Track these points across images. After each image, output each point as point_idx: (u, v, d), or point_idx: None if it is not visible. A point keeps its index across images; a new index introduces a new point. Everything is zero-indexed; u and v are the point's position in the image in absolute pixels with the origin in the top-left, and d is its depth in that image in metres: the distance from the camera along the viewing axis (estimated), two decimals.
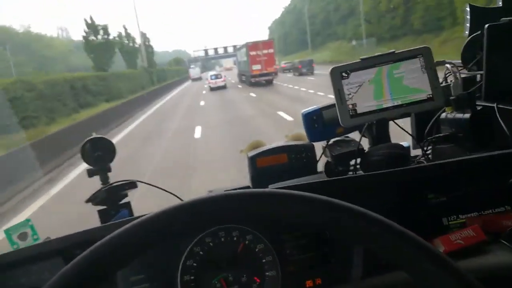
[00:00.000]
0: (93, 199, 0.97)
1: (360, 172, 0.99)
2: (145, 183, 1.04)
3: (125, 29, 39.89)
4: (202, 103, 20.29)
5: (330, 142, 1.05)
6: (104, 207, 0.98)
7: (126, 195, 1.01)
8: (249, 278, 0.72)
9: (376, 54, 0.96)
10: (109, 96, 24.38)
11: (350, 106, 0.93)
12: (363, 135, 1.00)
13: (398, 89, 0.93)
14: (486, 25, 1.04)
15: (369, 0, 40.77)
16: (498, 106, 0.96)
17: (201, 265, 0.72)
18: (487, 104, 1.00)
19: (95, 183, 1.00)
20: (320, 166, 1.11)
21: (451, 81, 1.03)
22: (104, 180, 0.98)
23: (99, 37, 30.70)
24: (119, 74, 29.96)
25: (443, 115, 1.04)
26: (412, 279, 0.41)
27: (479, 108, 0.96)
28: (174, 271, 0.71)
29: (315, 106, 1.06)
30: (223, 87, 29.17)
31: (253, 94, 21.00)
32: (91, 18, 30.30)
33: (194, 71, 60.44)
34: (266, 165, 1.06)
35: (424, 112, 1.00)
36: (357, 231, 0.42)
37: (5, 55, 49.20)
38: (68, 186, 7.24)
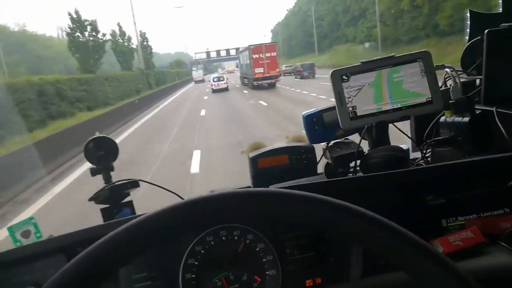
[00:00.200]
0: (96, 198, 0.98)
1: (360, 174, 1.00)
2: (147, 182, 1.05)
3: (120, 27, 34.84)
4: (202, 112, 16.36)
5: (330, 144, 1.06)
6: (107, 205, 0.99)
7: (128, 194, 1.02)
8: (250, 277, 0.73)
9: (376, 58, 0.97)
10: (93, 102, 20.10)
11: (350, 109, 0.94)
12: (363, 138, 1.01)
13: (398, 93, 0.94)
14: (486, 31, 1.05)
15: (385, 0, 37.66)
16: (497, 110, 0.97)
17: (202, 263, 0.72)
18: (486, 108, 1.01)
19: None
20: (320, 168, 1.12)
21: (450, 85, 1.05)
22: (107, 179, 0.99)
23: (87, 34, 25.82)
24: (108, 77, 25.24)
25: (442, 118, 1.05)
26: (412, 279, 0.41)
27: (478, 112, 0.98)
28: (176, 270, 0.71)
29: (315, 109, 1.07)
30: (225, 89, 28.87)
31: (263, 103, 17.06)
32: (76, 12, 25.17)
33: (197, 73, 60.26)
34: (267, 165, 1.07)
35: (424, 116, 1.01)
36: (358, 231, 0.42)
37: None
38: None
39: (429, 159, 1.09)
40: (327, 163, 1.08)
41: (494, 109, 0.98)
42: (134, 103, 21.49)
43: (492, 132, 0.97)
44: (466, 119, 0.97)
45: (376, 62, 0.95)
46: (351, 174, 1.03)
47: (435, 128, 1.08)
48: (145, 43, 42.73)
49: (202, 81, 55.29)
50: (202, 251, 0.73)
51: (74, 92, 18.47)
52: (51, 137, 10.75)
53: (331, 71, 0.97)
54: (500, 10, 1.25)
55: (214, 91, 28.84)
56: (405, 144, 1.13)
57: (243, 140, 7.70)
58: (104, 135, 1.03)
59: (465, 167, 0.84)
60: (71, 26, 25.23)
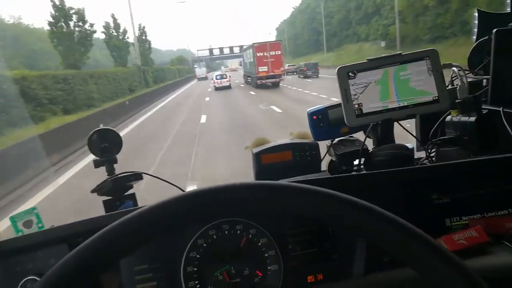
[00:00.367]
0: (99, 190, 0.98)
1: (364, 172, 0.99)
2: (150, 175, 1.05)
3: (114, 18, 30.49)
4: (203, 119, 12.80)
5: (334, 141, 1.06)
6: (110, 197, 0.99)
7: (131, 187, 1.02)
8: (252, 271, 0.72)
9: (383, 55, 0.96)
10: (71, 104, 16.49)
11: (356, 106, 0.94)
12: (367, 136, 1.01)
13: (405, 91, 0.94)
14: (494, 30, 1.05)
15: None
16: (504, 110, 0.97)
17: (204, 257, 0.72)
18: (492, 108, 1.00)
19: None
20: (324, 165, 1.12)
21: (457, 84, 1.04)
22: (110, 171, 0.99)
23: (72, 24, 21.82)
24: (95, 74, 21.18)
25: (448, 118, 1.04)
26: (419, 275, 0.41)
27: (484, 111, 0.97)
28: (178, 262, 0.71)
29: (320, 105, 1.06)
30: (228, 87, 28.73)
31: (276, 109, 13.27)
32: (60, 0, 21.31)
33: (200, 71, 60.53)
34: (271, 162, 1.07)
35: (429, 115, 1.01)
36: (365, 226, 0.42)
37: None
38: None
39: (433, 158, 1.09)
40: (331, 161, 1.08)
41: (501, 109, 0.97)
42: (123, 104, 18.33)
43: (499, 132, 0.97)
44: (473, 118, 0.96)
45: (383, 60, 0.94)
46: (355, 172, 1.02)
47: (441, 127, 1.07)
48: (143, 37, 39.57)
49: (205, 78, 55.28)
50: (204, 245, 0.73)
51: (47, 92, 14.88)
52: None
53: (337, 68, 0.96)
54: (508, 10, 1.24)
55: (216, 88, 28.58)
56: (410, 143, 1.13)
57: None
58: (108, 128, 1.02)
59: (470, 167, 0.83)
60: (54, 15, 21.20)
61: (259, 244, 0.74)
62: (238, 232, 0.74)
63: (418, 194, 0.78)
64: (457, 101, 0.99)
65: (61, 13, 21.61)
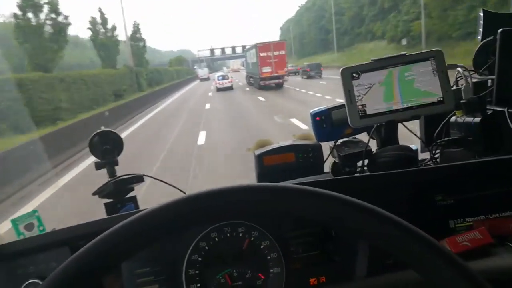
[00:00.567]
0: (100, 192, 0.97)
1: (367, 174, 0.98)
2: (152, 177, 1.04)
3: (101, 13, 26.67)
4: (201, 139, 9.28)
5: (337, 143, 1.05)
6: (111, 200, 0.99)
7: (132, 189, 1.02)
8: (254, 274, 0.72)
9: (387, 55, 0.95)
10: (23, 119, 11.94)
11: (360, 107, 0.93)
12: (371, 137, 1.00)
13: (409, 92, 0.93)
14: (500, 30, 1.04)
15: None
16: (509, 110, 0.96)
17: (206, 260, 0.72)
18: (497, 109, 0.99)
19: None
20: (327, 167, 1.11)
21: (462, 85, 1.03)
22: (112, 173, 0.99)
23: (43, 16, 17.40)
24: (66, 77, 16.75)
25: (453, 118, 1.03)
26: (422, 278, 0.40)
27: (489, 112, 0.96)
28: (179, 265, 0.71)
29: (323, 106, 1.06)
30: (230, 88, 28.60)
31: (301, 125, 9.25)
32: None
33: (203, 71, 60.97)
34: (273, 163, 1.06)
35: (434, 115, 1.00)
36: (368, 228, 0.42)
37: None
38: None
39: (438, 159, 1.08)
40: (334, 162, 1.07)
41: (506, 109, 0.96)
42: (101, 116, 14.25)
43: (504, 133, 0.96)
44: (477, 119, 0.95)
45: (387, 60, 0.94)
46: (358, 174, 1.01)
47: (445, 128, 1.06)
48: (137, 35, 35.84)
49: (207, 79, 55.55)
50: (206, 247, 0.72)
51: None
52: None
53: (341, 68, 0.95)
54: None
55: (218, 89, 28.48)
56: (414, 144, 1.12)
57: None
58: (110, 130, 1.02)
59: (474, 168, 0.83)
60: (20, 4, 16.99)
61: (262, 246, 0.73)
62: (240, 234, 0.73)
63: (422, 195, 0.78)
64: (461, 101, 0.98)
65: (29, 2, 17.26)
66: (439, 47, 0.99)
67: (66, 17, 18.89)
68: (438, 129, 1.07)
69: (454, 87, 1.06)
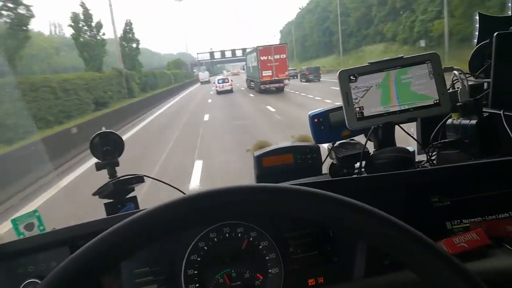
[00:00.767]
0: (100, 192, 0.98)
1: (365, 175, 0.99)
2: (152, 178, 1.05)
3: (84, 8, 22.60)
4: (195, 174, 6.34)
5: (335, 144, 1.06)
6: (111, 200, 0.99)
7: (132, 189, 1.02)
8: (252, 274, 0.72)
9: (385, 58, 0.96)
10: None
11: (357, 109, 0.94)
12: (368, 139, 1.01)
13: (406, 94, 0.94)
14: (495, 33, 1.05)
15: None
16: (505, 113, 0.97)
17: (205, 260, 0.72)
18: (493, 111, 1.00)
19: None
20: (325, 168, 1.12)
21: (458, 87, 1.04)
22: (112, 174, 0.99)
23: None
24: (25, 82, 12.99)
25: (449, 121, 1.04)
26: (420, 278, 0.41)
27: (485, 114, 0.97)
28: (178, 265, 0.71)
29: (321, 108, 1.07)
30: (230, 91, 28.49)
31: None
32: None
33: (203, 75, 60.83)
34: (272, 164, 1.07)
35: (430, 118, 1.01)
36: (366, 228, 0.42)
37: None
38: None
39: (434, 161, 1.09)
40: (332, 163, 1.08)
41: (501, 112, 0.97)
42: (65, 135, 10.57)
43: (499, 135, 0.96)
44: (473, 121, 0.96)
45: (384, 63, 0.95)
46: (356, 175, 1.02)
47: (442, 131, 1.07)
48: (129, 35, 31.53)
49: (208, 82, 55.55)
50: (205, 248, 0.73)
51: None
52: None
53: (338, 71, 0.96)
54: (510, 13, 1.24)
55: (219, 92, 28.40)
56: (411, 146, 1.13)
57: None
58: (111, 131, 1.03)
59: (471, 170, 0.83)
60: None
61: (260, 247, 0.74)
62: (239, 235, 0.74)
63: (419, 197, 0.78)
64: (458, 104, 0.99)
65: None
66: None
67: (27, 7, 14.92)
68: (435, 131, 1.08)
69: (451, 90, 1.07)
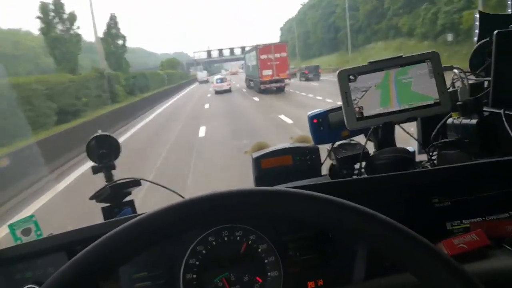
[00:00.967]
0: (97, 196, 0.97)
1: (365, 176, 0.98)
2: (149, 181, 1.04)
3: None
4: None
5: (335, 145, 1.05)
6: (108, 204, 0.98)
7: (129, 193, 1.01)
8: (251, 278, 0.72)
9: (384, 58, 0.96)
10: None
11: (357, 109, 0.93)
12: (368, 139, 1.00)
13: (405, 94, 0.93)
14: (495, 32, 1.04)
15: None
16: (506, 112, 0.96)
17: (203, 263, 0.72)
18: (494, 110, 0.99)
19: None
20: (325, 169, 1.11)
21: (458, 86, 1.03)
22: (109, 177, 0.99)
23: None
24: None
25: (450, 120, 1.04)
26: (418, 280, 0.40)
27: (486, 114, 0.96)
28: (177, 269, 0.71)
29: (320, 109, 1.06)
30: (228, 91, 28.36)
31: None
32: None
33: (202, 74, 61.32)
34: (271, 166, 1.06)
35: (430, 117, 1.00)
36: (366, 231, 0.42)
37: None
38: None
39: (435, 161, 1.08)
40: (332, 164, 1.07)
41: (502, 111, 0.97)
42: None
43: (500, 135, 0.96)
44: (474, 121, 0.95)
45: (384, 62, 0.94)
46: (355, 176, 1.02)
47: (442, 130, 1.07)
48: (113, 31, 27.64)
49: (207, 81, 55.83)
50: (204, 251, 0.72)
51: None
52: None
53: (338, 71, 0.95)
54: (510, 11, 1.24)
55: (217, 92, 28.33)
56: (411, 146, 1.12)
57: None
58: (107, 134, 1.02)
59: (471, 170, 0.83)
60: None
61: (259, 250, 0.73)
62: (238, 238, 0.73)
63: (419, 197, 0.78)
64: (458, 103, 0.99)
65: None
66: None
67: None
68: (435, 131, 1.08)
69: (451, 89, 1.06)
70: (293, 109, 13.90)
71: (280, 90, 22.98)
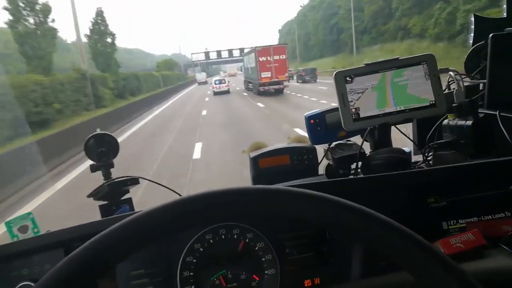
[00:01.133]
0: (95, 194, 0.97)
1: (361, 176, 0.99)
2: (147, 179, 1.05)
3: None
4: None
5: (332, 145, 1.06)
6: (106, 202, 0.99)
7: (127, 191, 1.02)
8: (248, 276, 0.72)
9: (380, 60, 0.96)
10: None
11: (353, 110, 0.94)
12: (365, 139, 1.01)
13: (401, 95, 0.94)
14: (491, 35, 1.05)
15: None
16: (501, 113, 0.97)
17: (200, 261, 0.72)
18: (489, 112, 1.00)
19: None
20: (322, 169, 1.12)
21: (454, 88, 1.04)
22: (107, 175, 0.99)
23: None
24: None
25: (445, 122, 1.05)
26: (415, 278, 0.41)
27: (481, 115, 0.97)
28: (174, 267, 0.71)
29: (318, 109, 1.07)
30: (227, 92, 28.41)
31: None
32: None
33: (201, 76, 61.73)
34: (268, 165, 1.07)
35: (426, 119, 1.01)
36: (363, 231, 0.42)
37: None
38: None
39: (430, 162, 1.09)
40: (328, 164, 1.08)
41: (497, 113, 0.98)
42: None
43: (495, 136, 0.97)
44: (469, 122, 0.96)
45: (380, 64, 0.95)
46: (352, 176, 1.02)
47: (438, 131, 1.08)
48: (101, 27, 24.74)
49: (205, 82, 56.22)
50: (201, 249, 0.72)
51: None
52: None
53: (334, 72, 0.96)
54: (505, 15, 1.25)
55: (215, 93, 28.39)
56: (407, 147, 1.13)
57: None
58: (105, 132, 1.02)
59: (467, 170, 0.84)
60: None
61: (256, 248, 0.73)
62: (235, 236, 0.74)
63: (415, 197, 0.78)
64: (453, 105, 1.00)
65: None
66: None
67: None
68: (431, 132, 1.09)
69: (446, 91, 1.07)
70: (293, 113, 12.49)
71: (278, 92, 22.84)
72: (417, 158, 1.16)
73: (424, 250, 0.40)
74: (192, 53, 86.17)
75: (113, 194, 0.98)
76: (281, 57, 23.10)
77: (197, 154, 8.01)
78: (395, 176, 0.81)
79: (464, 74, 1.16)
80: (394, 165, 0.91)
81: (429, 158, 1.09)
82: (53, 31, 17.83)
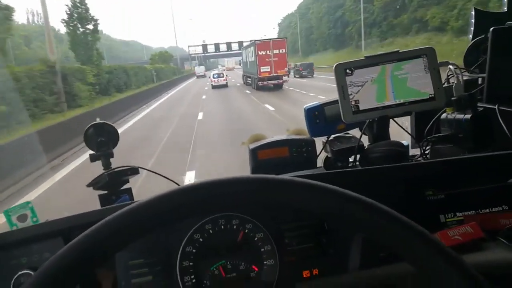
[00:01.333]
0: (95, 184, 0.97)
1: (360, 168, 0.99)
2: (147, 169, 1.05)
3: None
4: None
5: (330, 138, 1.06)
6: (105, 192, 0.98)
7: (127, 181, 1.02)
8: (247, 266, 0.72)
9: (380, 52, 0.96)
10: None
11: (353, 103, 0.94)
12: (363, 132, 1.01)
13: (401, 88, 0.94)
14: (491, 29, 1.05)
15: None
16: (499, 107, 0.97)
17: (200, 251, 0.72)
18: (488, 106, 1.01)
19: None
20: (320, 161, 1.12)
21: (453, 82, 1.04)
22: (106, 165, 0.99)
23: None
24: None
25: (444, 115, 1.05)
26: (415, 268, 0.41)
27: (480, 109, 0.97)
28: (174, 257, 0.71)
29: (317, 102, 1.07)
30: (225, 86, 28.37)
31: None
32: None
33: (199, 69, 62.04)
34: (267, 157, 1.07)
35: (425, 112, 1.01)
36: (364, 220, 0.42)
37: None
38: None
39: (428, 155, 1.09)
40: (327, 157, 1.08)
41: (496, 106, 0.98)
42: None
43: (494, 130, 0.97)
44: (468, 116, 0.96)
45: (380, 57, 0.95)
46: (350, 168, 1.03)
47: (436, 125, 1.08)
48: (81, 11, 21.12)
49: (204, 76, 56.40)
50: (201, 239, 0.73)
51: None
52: None
53: (334, 64, 0.96)
54: (505, 9, 1.25)
55: (214, 87, 28.36)
56: (405, 140, 1.13)
57: None
58: (105, 122, 1.02)
59: (465, 163, 0.84)
60: None
61: (255, 239, 0.74)
62: (235, 227, 0.74)
63: (413, 190, 0.79)
64: (452, 98, 1.00)
65: None
66: None
67: None
68: (429, 125, 1.09)
69: (446, 85, 1.07)
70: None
71: (278, 87, 22.36)
72: (415, 151, 1.16)
73: (425, 241, 0.40)
74: (189, 46, 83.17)
75: (113, 184, 0.97)
76: (281, 51, 22.47)
77: (190, 178, 5.53)
78: (394, 168, 0.81)
79: (463, 68, 1.16)
80: (393, 158, 0.91)
81: (426, 152, 1.09)
82: (8, 10, 14.10)
